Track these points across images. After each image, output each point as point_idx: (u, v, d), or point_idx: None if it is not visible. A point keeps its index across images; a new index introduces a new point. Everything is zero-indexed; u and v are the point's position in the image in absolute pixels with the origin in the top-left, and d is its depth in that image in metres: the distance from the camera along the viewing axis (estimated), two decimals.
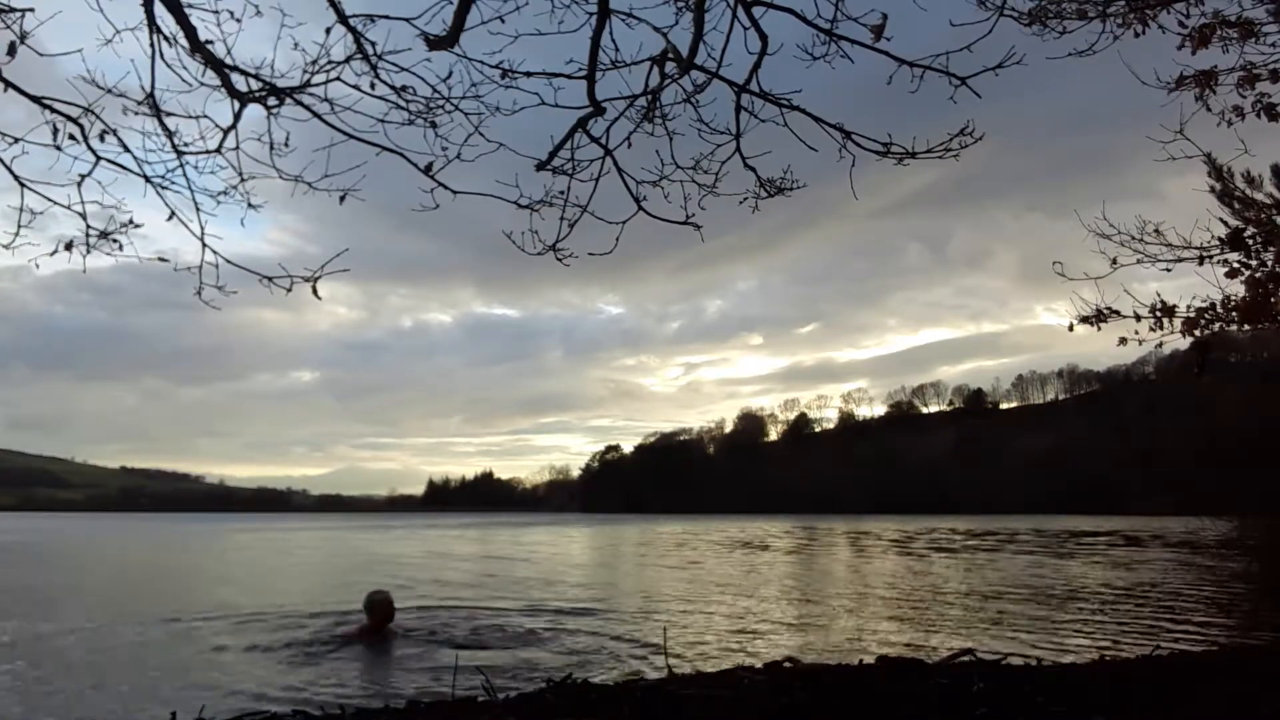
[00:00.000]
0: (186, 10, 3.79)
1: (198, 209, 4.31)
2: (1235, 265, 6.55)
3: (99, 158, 4.10)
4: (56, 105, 3.96)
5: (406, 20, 3.86)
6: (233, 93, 4.08)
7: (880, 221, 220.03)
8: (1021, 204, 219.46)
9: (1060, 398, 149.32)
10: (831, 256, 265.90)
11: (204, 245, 4.28)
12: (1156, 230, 6.70)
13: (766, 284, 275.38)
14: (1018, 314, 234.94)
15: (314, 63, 3.98)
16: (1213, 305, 6.41)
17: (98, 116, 4.02)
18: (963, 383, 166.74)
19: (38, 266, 4.19)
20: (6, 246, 4.02)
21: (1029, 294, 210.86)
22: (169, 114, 4.12)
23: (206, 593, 15.92)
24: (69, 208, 4.14)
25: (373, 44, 3.97)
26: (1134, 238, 6.73)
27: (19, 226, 4.05)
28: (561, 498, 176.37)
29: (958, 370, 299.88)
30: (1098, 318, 6.49)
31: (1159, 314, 6.31)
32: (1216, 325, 6.47)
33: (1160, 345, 6.45)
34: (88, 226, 4.19)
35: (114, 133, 4.08)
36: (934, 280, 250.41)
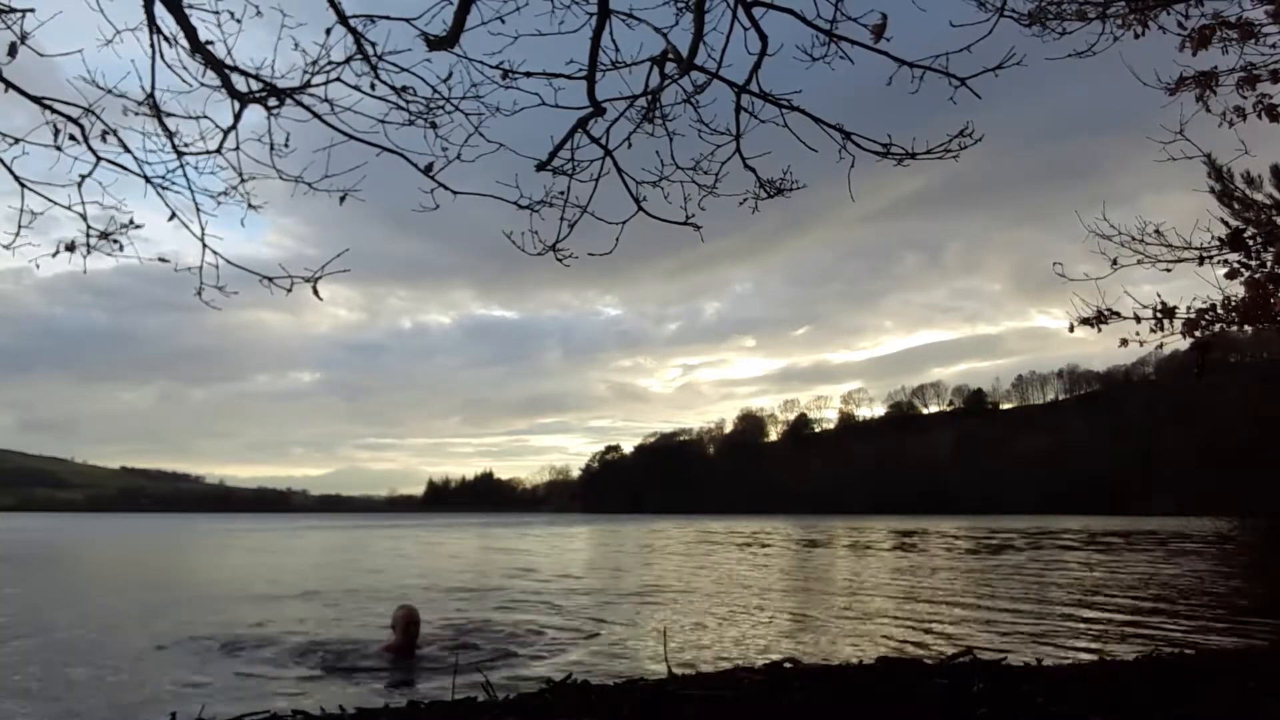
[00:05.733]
0: (187, 11, 3.80)
1: (198, 209, 4.32)
2: (1235, 266, 6.55)
3: (99, 158, 4.11)
4: (57, 106, 3.96)
5: (406, 20, 3.87)
6: (233, 93, 4.09)
7: (875, 225, 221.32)
8: (1018, 206, 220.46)
9: (1060, 398, 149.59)
10: (826, 259, 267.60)
11: (204, 246, 4.29)
12: (1157, 231, 6.70)
13: (763, 286, 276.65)
14: (1012, 316, 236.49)
15: (314, 63, 3.99)
16: (1213, 306, 6.42)
17: (98, 117, 4.03)
18: (963, 383, 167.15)
19: (38, 267, 4.20)
20: (7, 247, 4.03)
21: (1024, 296, 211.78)
22: (169, 114, 4.13)
23: (214, 594, 15.92)
24: (69, 209, 4.15)
25: (373, 44, 3.97)
26: (1134, 238, 6.73)
27: (19, 227, 4.05)
28: (562, 498, 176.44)
29: (952, 371, 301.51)
30: (1098, 319, 6.49)
31: (1159, 315, 6.31)
32: (1217, 326, 6.47)
33: (1160, 346, 6.46)
34: (88, 227, 4.20)
35: (114, 133, 4.09)
36: (929, 282, 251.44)
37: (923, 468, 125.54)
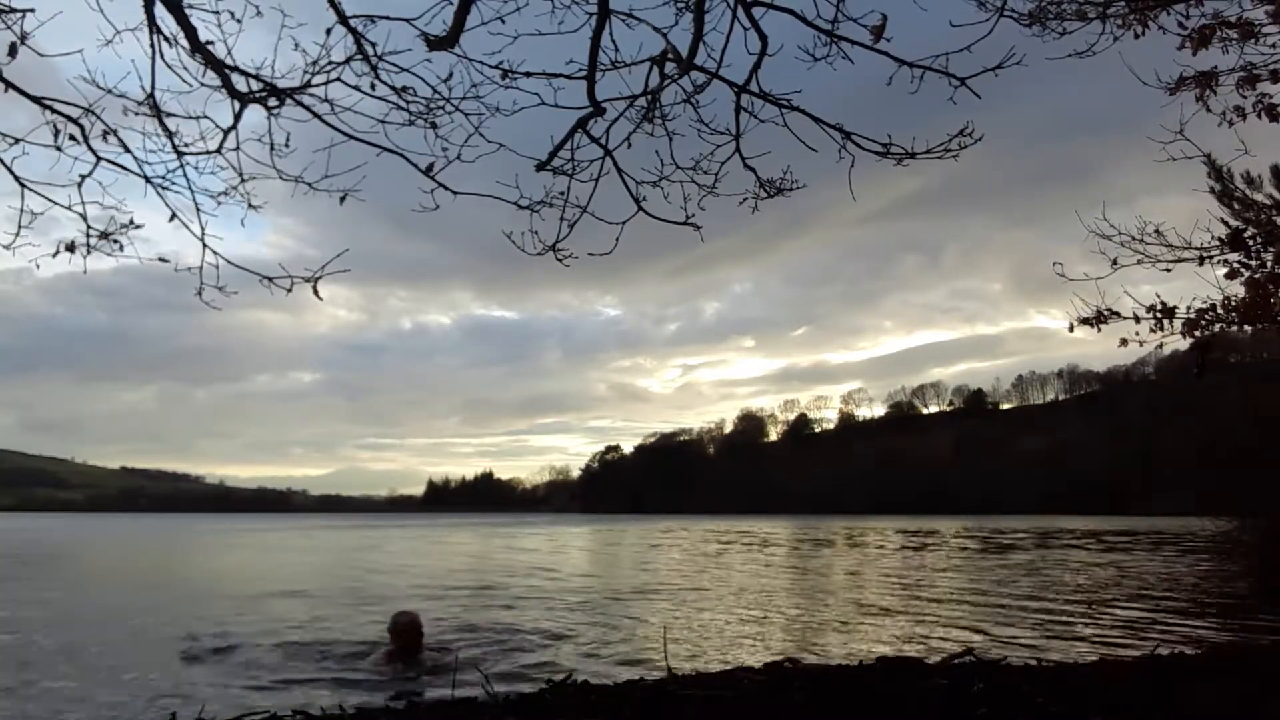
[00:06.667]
0: (187, 11, 3.79)
1: (198, 210, 4.32)
2: (1235, 266, 6.55)
3: (99, 158, 4.11)
4: (57, 106, 3.96)
5: (407, 20, 3.87)
6: (233, 93, 4.08)
7: (874, 225, 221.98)
8: (1017, 207, 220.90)
9: (1060, 398, 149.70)
10: (825, 259, 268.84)
11: (204, 246, 4.29)
12: (1157, 231, 6.70)
13: (762, 286, 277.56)
14: (1012, 316, 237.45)
15: (314, 63, 3.99)
16: (1213, 306, 6.42)
17: (98, 117, 4.03)
18: (962, 383, 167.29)
19: (38, 267, 4.20)
20: (7, 247, 4.03)
21: (1023, 297, 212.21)
22: (169, 114, 4.13)
23: (218, 595, 15.92)
24: (69, 209, 4.15)
25: (373, 44, 3.97)
26: (1134, 238, 6.73)
27: (19, 227, 4.05)
28: (562, 498, 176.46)
29: (951, 372, 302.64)
30: (1098, 319, 6.49)
31: (1159, 315, 6.31)
32: (1217, 326, 6.48)
33: (1160, 346, 6.46)
34: (88, 227, 4.20)
35: (114, 133, 4.09)
36: (928, 283, 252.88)
37: (923, 468, 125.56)
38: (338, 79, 4.04)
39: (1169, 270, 6.71)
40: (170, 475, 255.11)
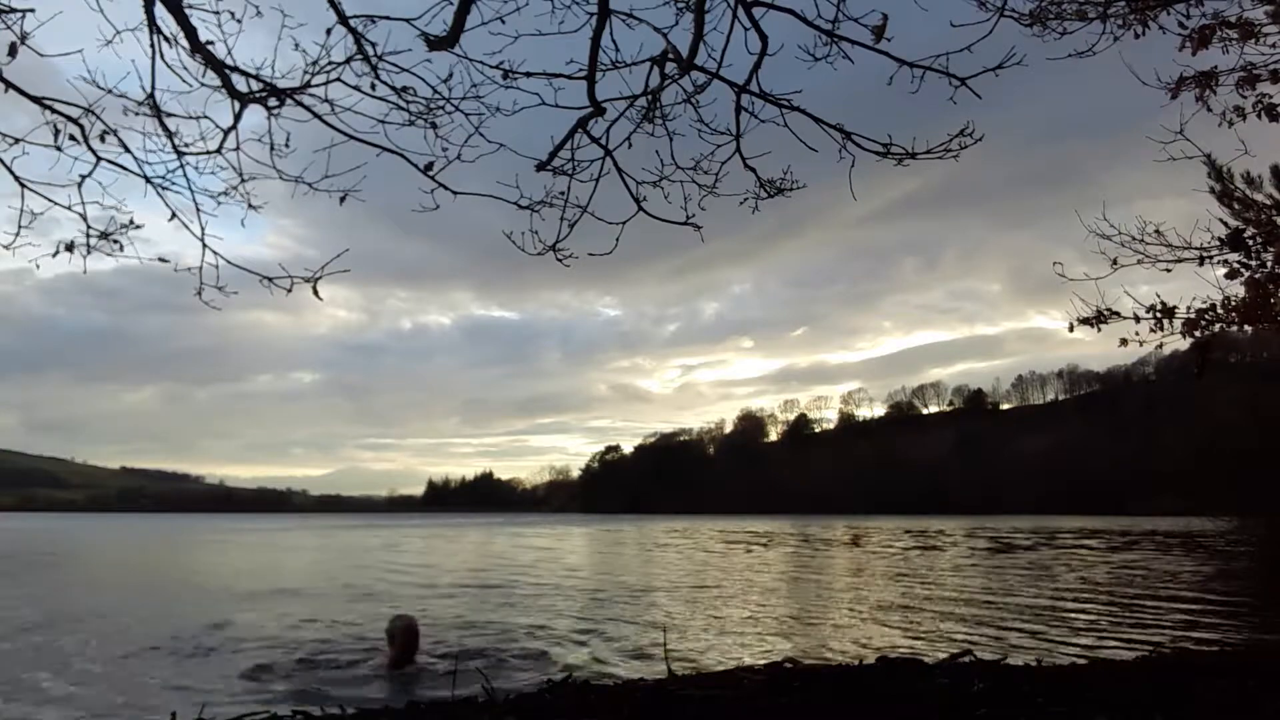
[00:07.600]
0: (187, 11, 3.79)
1: (198, 210, 4.31)
2: (1235, 266, 6.55)
3: (99, 158, 4.10)
4: (57, 106, 3.96)
5: (407, 21, 3.86)
6: (233, 93, 4.08)
7: (872, 226, 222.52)
8: (1016, 208, 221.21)
9: (1060, 398, 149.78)
10: (824, 260, 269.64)
11: (204, 246, 4.28)
12: (1157, 231, 6.69)
13: (761, 287, 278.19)
14: (1011, 317, 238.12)
15: (314, 63, 3.98)
16: (1213, 306, 6.41)
17: (98, 117, 4.02)
18: (962, 383, 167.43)
19: (38, 268, 4.20)
20: (7, 248, 4.02)
21: (1022, 298, 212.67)
22: (169, 115, 4.12)
23: (224, 595, 15.92)
24: (69, 209, 4.15)
25: (373, 45, 3.96)
26: (1134, 238, 6.72)
27: (19, 228, 4.05)
28: (562, 498, 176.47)
29: (950, 372, 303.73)
30: (1098, 319, 6.49)
31: (1159, 315, 6.31)
32: (1217, 326, 6.47)
33: (1160, 346, 6.45)
34: (88, 227, 4.19)
35: (114, 133, 4.08)
36: (927, 284, 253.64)
37: (923, 468, 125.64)
38: (338, 79, 4.03)
39: (1169, 270, 6.71)
40: (170, 475, 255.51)
